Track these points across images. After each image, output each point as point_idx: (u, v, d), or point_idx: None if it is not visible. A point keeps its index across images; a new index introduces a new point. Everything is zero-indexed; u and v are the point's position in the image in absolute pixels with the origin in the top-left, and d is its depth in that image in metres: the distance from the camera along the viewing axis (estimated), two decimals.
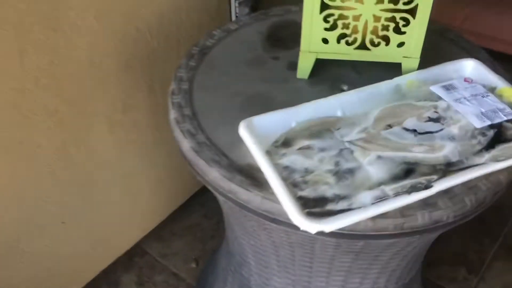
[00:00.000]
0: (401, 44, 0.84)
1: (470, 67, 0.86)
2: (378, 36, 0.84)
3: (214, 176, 0.74)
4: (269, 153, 0.73)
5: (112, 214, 1.24)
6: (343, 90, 0.88)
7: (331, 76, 0.90)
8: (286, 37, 0.98)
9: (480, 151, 0.73)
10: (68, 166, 1.07)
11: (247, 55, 0.94)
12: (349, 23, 0.82)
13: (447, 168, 0.71)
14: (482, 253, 1.41)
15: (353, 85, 0.87)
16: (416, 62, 0.86)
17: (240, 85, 0.88)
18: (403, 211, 0.68)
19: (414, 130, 0.75)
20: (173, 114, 0.83)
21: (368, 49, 0.85)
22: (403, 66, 0.86)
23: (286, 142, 0.75)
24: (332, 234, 0.65)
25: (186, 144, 0.78)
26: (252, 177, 0.73)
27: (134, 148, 1.20)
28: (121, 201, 1.25)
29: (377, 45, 0.85)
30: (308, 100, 0.81)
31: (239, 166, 0.74)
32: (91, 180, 1.14)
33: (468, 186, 0.72)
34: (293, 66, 0.90)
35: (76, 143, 1.06)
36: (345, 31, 0.83)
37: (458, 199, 0.70)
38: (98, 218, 1.20)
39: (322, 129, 0.77)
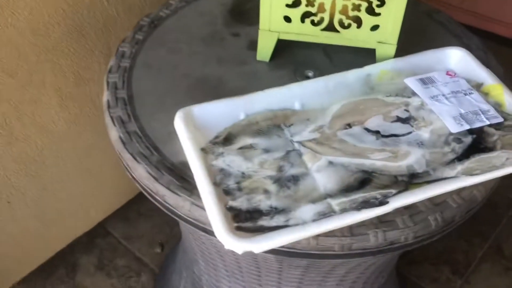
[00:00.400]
0: (375, 27, 0.72)
1: (455, 57, 0.74)
2: (348, 17, 0.72)
3: (140, 173, 0.64)
4: (205, 151, 0.63)
5: (67, 193, 1.15)
6: (307, 77, 0.76)
7: (296, 59, 0.79)
8: (252, 10, 0.86)
9: (453, 161, 0.61)
10: (12, 142, 0.97)
11: (204, 29, 0.83)
12: (314, 0, 0.70)
13: (410, 180, 0.60)
14: (470, 253, 1.31)
15: (320, 72, 0.76)
16: (392, 49, 0.74)
17: (191, 65, 0.77)
18: (352, 229, 0.58)
19: (377, 132, 0.64)
20: (106, 96, 0.72)
21: (337, 31, 0.73)
22: (378, 53, 0.75)
23: (228, 138, 0.65)
24: (268, 250, 0.55)
25: (114, 133, 0.68)
26: (183, 178, 0.62)
27: (91, 123, 1.10)
28: (77, 179, 1.15)
29: (347, 27, 0.73)
30: (265, 86, 0.70)
31: (171, 164, 0.64)
32: (40, 157, 1.04)
33: (435, 202, 0.61)
34: (254, 45, 0.78)
35: (20, 118, 0.96)
36: (309, 9, 0.71)
37: (420, 217, 0.60)
38: (50, 197, 1.11)
39: (272, 124, 0.66)
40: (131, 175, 0.66)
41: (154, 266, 1.26)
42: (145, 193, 0.66)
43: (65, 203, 1.16)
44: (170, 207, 0.62)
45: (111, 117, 0.69)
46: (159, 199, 0.63)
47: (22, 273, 1.18)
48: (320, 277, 0.74)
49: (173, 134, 0.65)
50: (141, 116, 0.69)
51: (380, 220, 0.59)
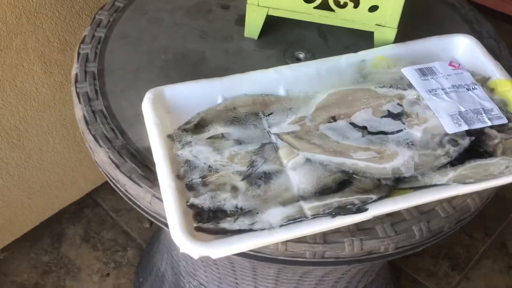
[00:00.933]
0: (374, 8, 0.65)
1: (462, 45, 0.67)
2: None
3: (101, 158, 0.58)
4: (172, 139, 0.57)
5: (53, 162, 1.10)
6: (298, 59, 0.70)
7: (288, 38, 0.72)
8: None
9: (445, 166, 0.55)
10: None
11: None
12: None
13: (395, 185, 0.54)
14: (471, 248, 1.25)
15: (313, 53, 0.70)
16: (392, 33, 0.67)
17: (171, 38, 0.71)
18: (325, 236, 0.52)
19: (364, 128, 0.58)
20: (75, 69, 0.66)
21: (332, 10, 0.66)
22: (376, 37, 0.68)
23: (200, 125, 0.59)
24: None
25: (78, 111, 0.62)
26: (147, 167, 0.57)
27: None
28: (63, 149, 1.11)
29: (343, 6, 0.65)
30: (251, 67, 0.64)
31: (136, 150, 0.58)
32: (23, 124, 0.99)
33: (422, 209, 0.55)
34: (244, 20, 0.71)
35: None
36: None
37: (403, 226, 0.54)
38: (34, 166, 1.07)
39: (249, 112, 0.60)
40: (94, 158, 0.61)
41: (141, 241, 1.22)
42: (107, 179, 0.61)
43: (51, 173, 1.12)
44: (131, 197, 0.57)
45: (77, 93, 0.63)
46: (120, 187, 0.58)
47: (5, 240, 1.15)
48: (297, 277, 0.69)
49: (141, 116, 0.59)
50: (109, 93, 0.64)
51: (358, 228, 0.53)
